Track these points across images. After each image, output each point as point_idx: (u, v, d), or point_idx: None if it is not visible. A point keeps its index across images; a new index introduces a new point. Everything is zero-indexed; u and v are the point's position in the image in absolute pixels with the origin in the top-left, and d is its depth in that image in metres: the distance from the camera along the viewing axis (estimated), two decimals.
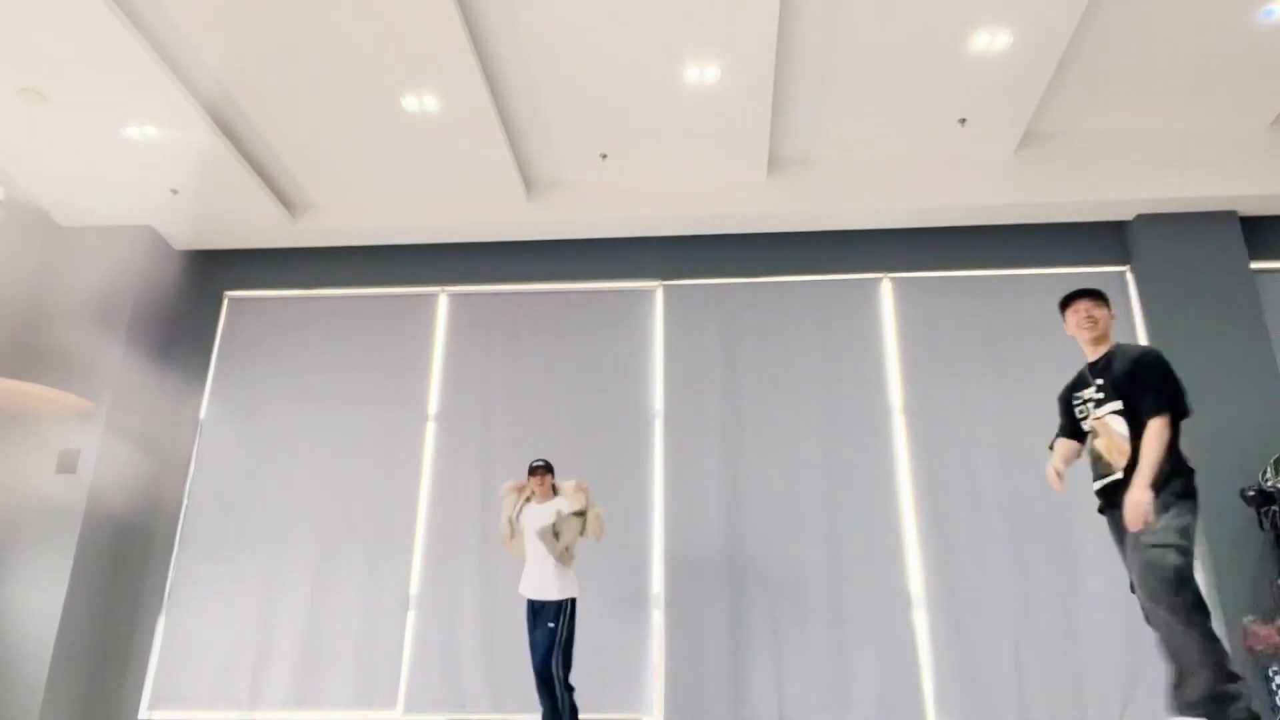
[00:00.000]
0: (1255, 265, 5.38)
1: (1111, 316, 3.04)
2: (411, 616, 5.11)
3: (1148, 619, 2.66)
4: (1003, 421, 5.23)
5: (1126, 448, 2.76)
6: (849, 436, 5.25)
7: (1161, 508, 2.67)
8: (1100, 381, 2.89)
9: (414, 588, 5.16)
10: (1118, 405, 2.81)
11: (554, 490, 4.49)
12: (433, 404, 5.56)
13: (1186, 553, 2.62)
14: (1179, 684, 2.61)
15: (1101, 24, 4.63)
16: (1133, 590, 2.77)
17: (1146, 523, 2.58)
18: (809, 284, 5.66)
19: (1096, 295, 3.02)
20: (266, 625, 5.12)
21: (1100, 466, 2.85)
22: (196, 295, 5.92)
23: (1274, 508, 4.57)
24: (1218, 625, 4.64)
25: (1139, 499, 2.61)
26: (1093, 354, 3.00)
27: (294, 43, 4.38)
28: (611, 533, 5.19)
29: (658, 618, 5.00)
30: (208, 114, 4.83)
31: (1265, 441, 4.86)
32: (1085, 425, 2.94)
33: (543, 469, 4.50)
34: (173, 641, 5.15)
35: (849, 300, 5.60)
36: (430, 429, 5.50)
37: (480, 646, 4.98)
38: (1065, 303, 3.07)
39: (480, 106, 4.78)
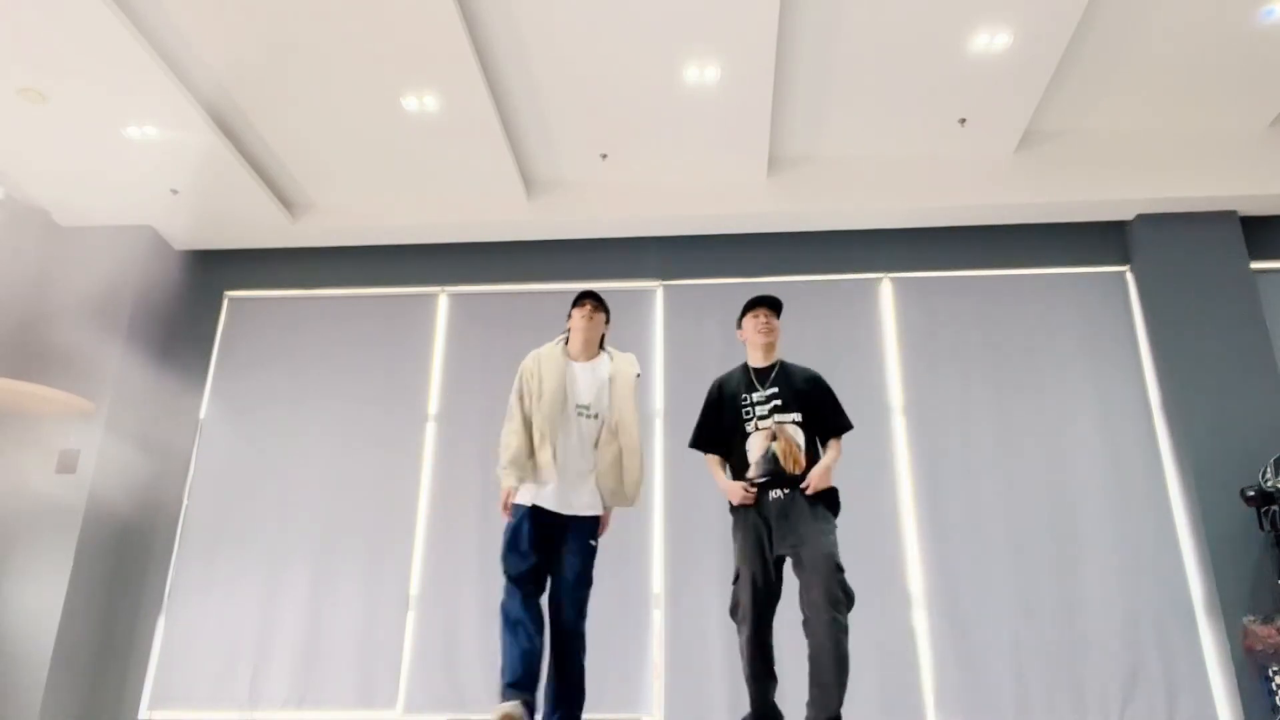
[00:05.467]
0: (1255, 265, 5.39)
1: (780, 331, 3.30)
2: (411, 616, 5.11)
3: (832, 626, 2.81)
4: (1003, 421, 5.23)
5: (802, 458, 3.02)
6: (848, 436, 5.23)
7: (828, 519, 2.99)
8: (776, 390, 3.12)
9: (414, 588, 5.16)
10: (797, 416, 3.07)
11: (602, 347, 3.32)
12: (433, 404, 5.56)
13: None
14: (835, 692, 2.82)
15: (1101, 24, 4.63)
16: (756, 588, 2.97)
17: (823, 485, 2.97)
18: (809, 284, 5.66)
19: (776, 306, 3.29)
20: (266, 625, 5.12)
21: (773, 467, 3.02)
22: (196, 295, 5.92)
23: (1274, 508, 4.57)
24: (1218, 625, 4.65)
25: (827, 472, 3.01)
26: (762, 360, 3.23)
27: (294, 43, 4.38)
28: (611, 532, 5.18)
29: (658, 618, 5.00)
30: (208, 114, 4.83)
31: (1265, 441, 4.86)
32: (754, 426, 3.09)
33: (595, 303, 3.29)
34: (173, 641, 5.15)
35: (849, 300, 5.60)
36: (430, 429, 5.50)
37: (480, 646, 4.98)
38: (747, 307, 3.31)
39: (480, 106, 4.78)
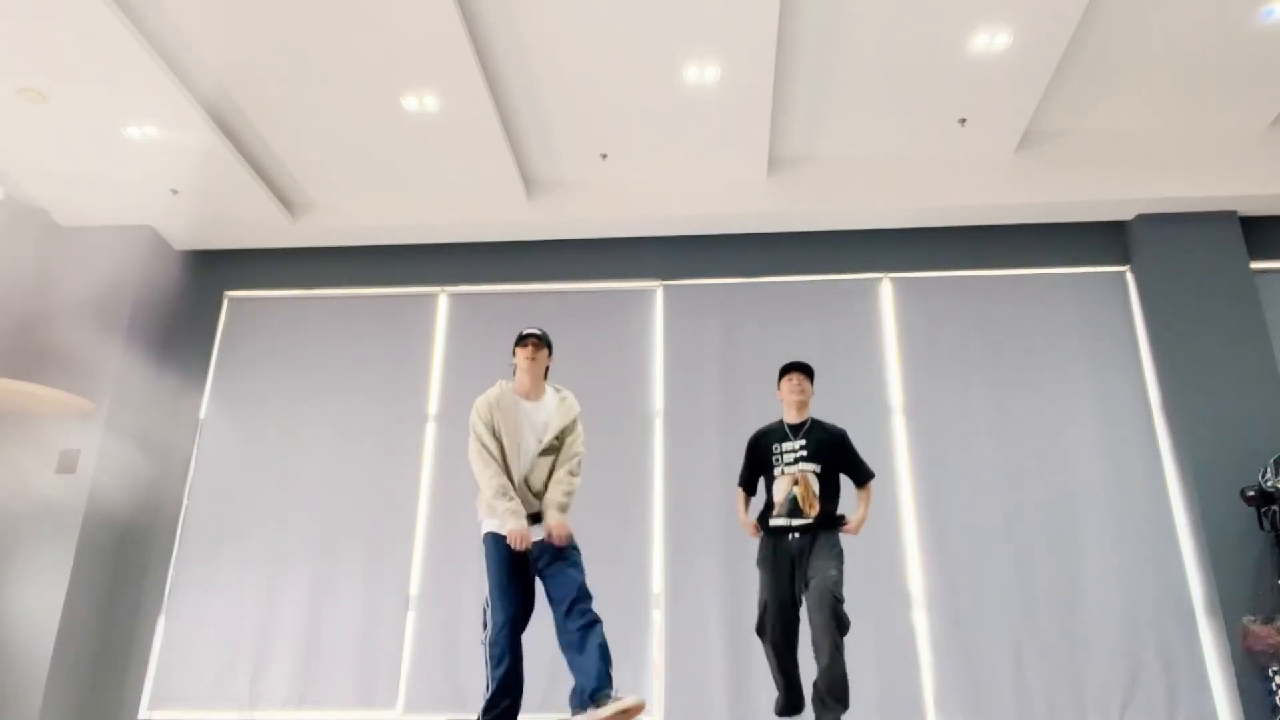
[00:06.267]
0: (1255, 265, 5.39)
1: (812, 391, 3.82)
2: (411, 616, 5.11)
3: (831, 650, 3.33)
4: (1003, 421, 5.23)
5: (817, 504, 3.52)
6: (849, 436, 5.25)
7: (838, 557, 3.49)
8: (804, 442, 3.63)
9: (414, 588, 5.16)
10: (817, 468, 3.58)
11: (545, 378, 3.53)
12: (433, 404, 5.56)
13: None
14: (837, 706, 3.33)
15: (1101, 24, 4.63)
16: (769, 610, 3.51)
17: (857, 531, 3.60)
18: (809, 284, 5.66)
19: (809, 371, 3.79)
20: (266, 625, 5.12)
21: (793, 508, 3.53)
22: (196, 295, 5.92)
23: (1274, 508, 4.57)
24: (1218, 625, 4.66)
25: (862, 523, 3.62)
26: (795, 416, 3.73)
27: (294, 43, 4.38)
28: (612, 532, 5.19)
29: (658, 617, 5.00)
30: (208, 114, 4.83)
31: (1265, 441, 4.86)
32: (781, 471, 3.63)
33: (538, 340, 3.47)
34: (173, 641, 5.15)
35: (849, 300, 5.60)
36: (430, 429, 5.50)
37: (480, 646, 4.97)
38: (783, 371, 3.80)
39: (480, 106, 4.78)
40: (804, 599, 3.46)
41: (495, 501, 3.32)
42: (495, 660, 3.28)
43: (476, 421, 3.42)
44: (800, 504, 3.51)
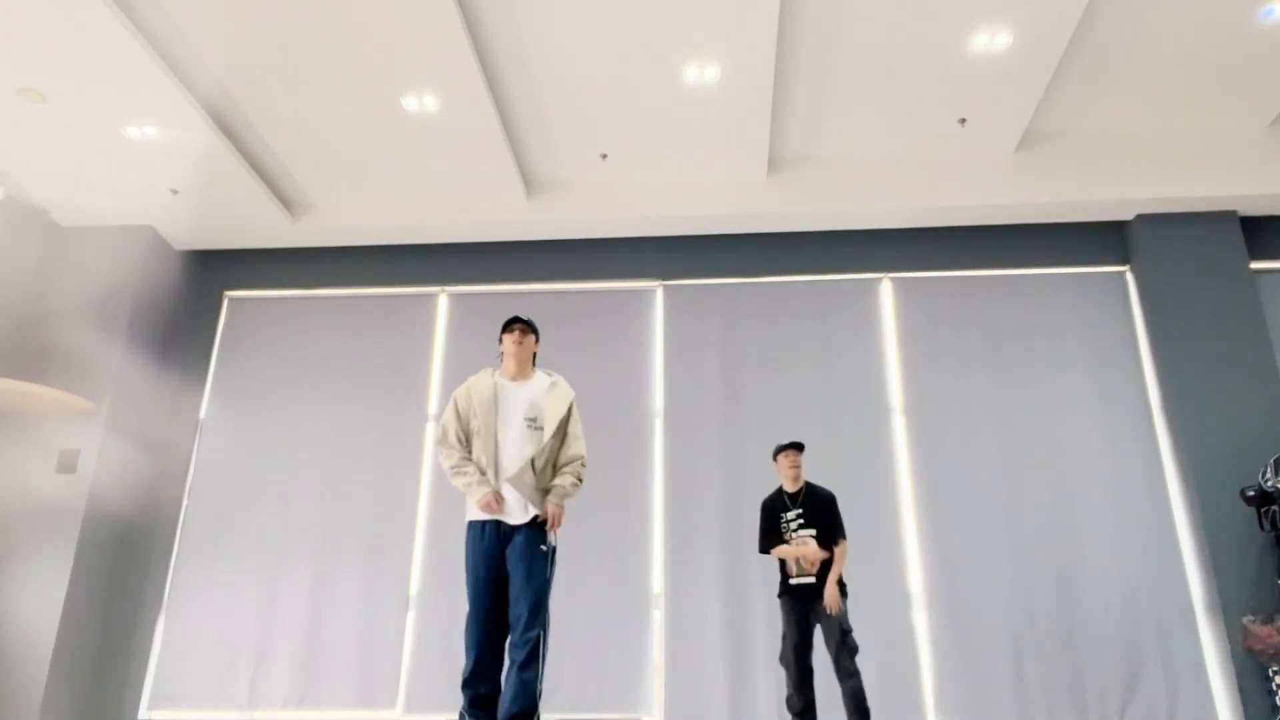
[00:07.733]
0: (1255, 265, 5.39)
1: (803, 462, 4.27)
2: (411, 616, 5.11)
3: (847, 673, 3.87)
4: (1003, 421, 5.23)
5: (817, 561, 4.01)
6: (849, 436, 5.25)
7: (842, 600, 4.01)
8: (801, 510, 4.11)
9: (414, 588, 5.16)
10: (814, 531, 4.07)
11: (534, 364, 3.59)
12: (433, 404, 5.56)
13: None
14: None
15: (1101, 24, 4.63)
16: (788, 652, 4.00)
17: (838, 607, 3.92)
18: (809, 284, 5.66)
19: (801, 447, 4.23)
20: (266, 625, 5.12)
21: (800, 569, 4.03)
22: (196, 295, 5.93)
23: (1274, 508, 4.57)
24: (1218, 626, 4.66)
25: (834, 585, 3.97)
26: (791, 486, 4.19)
27: (294, 43, 4.38)
28: (612, 531, 5.19)
29: (658, 617, 5.00)
30: (208, 114, 4.84)
31: (1265, 441, 4.86)
32: (788, 539, 4.10)
33: (524, 326, 3.54)
34: (173, 641, 5.15)
35: (849, 300, 5.60)
36: (430, 429, 5.50)
37: None
38: (778, 450, 4.24)
39: (480, 106, 4.78)
40: (819, 631, 3.99)
41: (454, 480, 3.39)
42: (466, 647, 3.32)
43: (450, 404, 3.53)
44: (805, 565, 4.01)
